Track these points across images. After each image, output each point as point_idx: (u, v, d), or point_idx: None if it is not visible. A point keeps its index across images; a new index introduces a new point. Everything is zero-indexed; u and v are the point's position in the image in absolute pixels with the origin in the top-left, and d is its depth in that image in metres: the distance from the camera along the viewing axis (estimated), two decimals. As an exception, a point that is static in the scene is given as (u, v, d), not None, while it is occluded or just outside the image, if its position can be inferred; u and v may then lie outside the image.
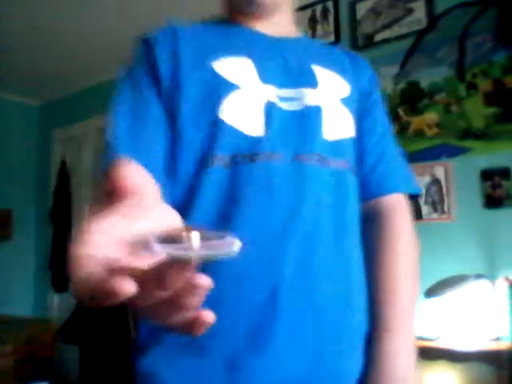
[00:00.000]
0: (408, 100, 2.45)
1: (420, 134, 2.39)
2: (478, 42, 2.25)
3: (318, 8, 2.85)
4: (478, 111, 2.23)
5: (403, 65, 2.47)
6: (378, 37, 2.60)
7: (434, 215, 2.32)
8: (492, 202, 2.17)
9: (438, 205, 2.31)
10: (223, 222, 0.63)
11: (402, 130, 2.45)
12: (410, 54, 2.45)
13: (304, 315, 0.64)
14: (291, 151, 0.68)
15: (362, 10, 2.68)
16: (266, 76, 0.71)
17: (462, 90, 2.29)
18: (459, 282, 2.00)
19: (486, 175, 2.18)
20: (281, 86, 0.71)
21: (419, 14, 2.46)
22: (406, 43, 2.47)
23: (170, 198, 0.63)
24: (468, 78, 2.27)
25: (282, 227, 0.64)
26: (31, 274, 4.40)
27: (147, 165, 0.51)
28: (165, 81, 0.70)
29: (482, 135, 2.21)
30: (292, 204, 0.65)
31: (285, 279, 0.63)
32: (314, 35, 2.85)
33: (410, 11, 2.50)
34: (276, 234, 0.64)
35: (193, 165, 0.67)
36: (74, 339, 3.21)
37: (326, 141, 0.71)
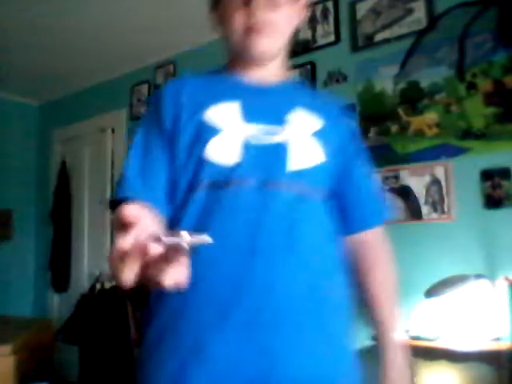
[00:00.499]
0: (408, 100, 2.45)
1: (420, 133, 2.39)
2: (477, 41, 2.25)
3: (318, 8, 2.85)
4: (478, 111, 2.23)
5: (403, 65, 2.47)
6: (378, 37, 2.60)
7: (434, 215, 2.32)
8: (492, 202, 2.17)
9: (437, 205, 2.31)
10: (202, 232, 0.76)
11: (401, 130, 2.45)
12: (409, 53, 2.45)
13: (259, 315, 0.78)
14: (259, 178, 0.84)
15: (362, 9, 2.68)
16: (248, 116, 0.88)
17: (461, 90, 2.29)
18: (459, 281, 2.00)
19: (486, 175, 2.18)
20: (259, 123, 0.88)
21: (419, 13, 2.47)
22: (406, 43, 2.47)
23: (169, 215, 0.85)
24: (468, 77, 2.27)
25: (245, 238, 0.81)
26: (31, 274, 4.41)
27: (151, 199, 0.77)
28: (168, 126, 0.90)
29: (482, 135, 2.21)
30: (254, 221, 0.82)
31: (243, 283, 0.79)
32: (314, 35, 2.85)
33: (409, 11, 2.50)
34: (240, 243, 0.81)
35: (184, 191, 0.86)
36: (73, 339, 3.21)
37: (291, 170, 0.86)
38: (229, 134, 0.86)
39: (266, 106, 0.91)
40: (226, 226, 0.82)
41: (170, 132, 0.89)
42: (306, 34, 2.88)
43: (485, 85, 2.22)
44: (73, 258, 4.11)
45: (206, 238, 0.51)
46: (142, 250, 0.49)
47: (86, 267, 4.00)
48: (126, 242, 0.49)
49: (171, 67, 3.60)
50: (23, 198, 4.42)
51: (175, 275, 0.50)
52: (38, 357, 3.27)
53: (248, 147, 0.86)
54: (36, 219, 4.49)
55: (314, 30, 2.86)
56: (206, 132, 0.87)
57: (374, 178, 1.04)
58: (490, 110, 2.20)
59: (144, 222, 0.52)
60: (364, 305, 0.98)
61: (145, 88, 3.74)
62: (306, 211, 0.86)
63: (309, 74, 2.84)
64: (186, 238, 0.50)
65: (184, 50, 3.52)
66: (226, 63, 1.01)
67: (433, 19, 2.41)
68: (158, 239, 0.49)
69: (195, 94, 0.92)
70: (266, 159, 0.86)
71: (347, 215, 0.96)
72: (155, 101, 0.94)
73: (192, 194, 0.85)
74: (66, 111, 4.39)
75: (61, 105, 4.47)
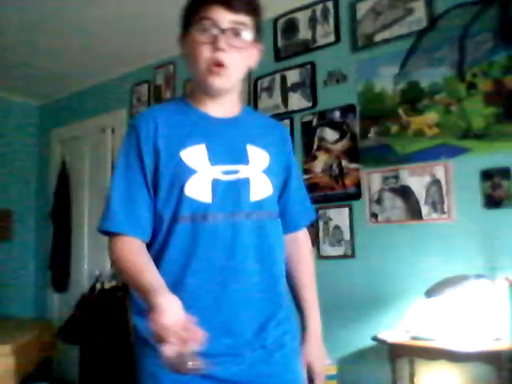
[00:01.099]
0: (408, 100, 2.45)
1: (420, 133, 2.39)
2: (478, 42, 2.25)
3: (318, 8, 2.85)
4: (478, 111, 2.23)
5: (403, 65, 2.47)
6: (378, 37, 2.60)
7: (434, 215, 2.32)
8: (492, 202, 2.17)
9: (438, 205, 2.31)
10: (185, 258, 1.05)
11: (401, 130, 2.45)
12: (409, 53, 2.45)
13: (235, 311, 1.06)
14: (228, 211, 1.07)
15: (362, 9, 2.68)
16: (213, 159, 1.07)
17: (462, 90, 2.29)
18: (459, 281, 2.00)
19: (486, 175, 2.18)
20: (223, 164, 1.08)
21: (419, 14, 2.47)
22: (406, 43, 2.47)
23: (154, 243, 1.08)
24: (468, 77, 2.27)
25: (221, 263, 1.06)
26: (31, 274, 4.40)
27: (135, 230, 1.05)
28: (148, 164, 1.07)
29: (482, 135, 2.21)
30: (229, 248, 1.06)
31: (221, 298, 1.05)
32: (314, 35, 2.85)
33: (409, 11, 2.50)
34: (218, 267, 1.06)
35: (169, 221, 1.06)
36: (74, 339, 3.21)
37: (253, 201, 1.09)
38: (201, 174, 1.06)
39: (226, 147, 1.10)
40: (208, 252, 1.05)
41: (150, 169, 1.07)
42: (306, 34, 2.89)
43: (485, 85, 2.22)
44: (73, 258, 4.11)
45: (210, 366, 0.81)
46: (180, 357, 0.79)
47: (86, 267, 4.00)
48: (171, 351, 0.79)
49: (171, 67, 3.60)
50: (23, 198, 4.42)
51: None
52: (38, 357, 3.26)
53: (217, 185, 1.06)
54: (36, 219, 4.49)
55: (314, 29, 2.86)
56: (183, 173, 1.05)
57: (302, 187, 1.28)
58: (490, 110, 2.20)
59: (183, 336, 0.80)
60: (292, 288, 1.23)
61: (145, 88, 3.74)
62: (267, 233, 1.12)
63: (309, 74, 2.84)
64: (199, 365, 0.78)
65: (184, 50, 3.52)
66: (189, 91, 1.19)
67: (433, 19, 2.41)
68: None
69: (169, 136, 1.08)
70: (233, 194, 1.07)
71: (284, 219, 1.21)
72: (132, 137, 1.09)
73: (177, 224, 1.05)
74: (66, 111, 4.39)
75: (61, 105, 4.47)
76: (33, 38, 3.32)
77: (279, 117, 2.92)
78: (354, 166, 2.61)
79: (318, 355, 1.21)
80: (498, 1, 2.21)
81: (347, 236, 2.60)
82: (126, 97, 3.85)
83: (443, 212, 2.29)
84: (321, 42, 2.83)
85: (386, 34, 2.57)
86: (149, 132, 1.08)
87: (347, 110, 2.66)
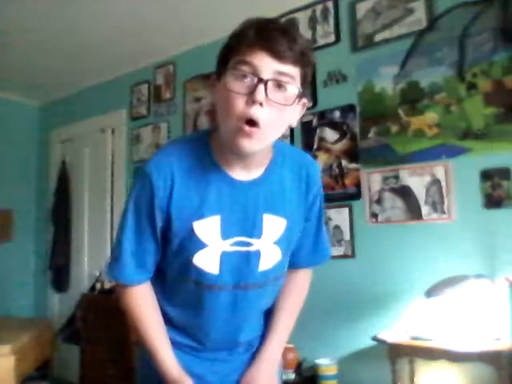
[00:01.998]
0: (408, 100, 2.45)
1: (420, 133, 2.39)
2: (477, 42, 2.25)
3: (318, 8, 2.85)
4: (478, 111, 2.23)
5: (403, 65, 2.47)
6: (378, 37, 2.60)
7: (434, 215, 2.32)
8: (492, 202, 2.17)
9: (438, 205, 2.31)
10: (190, 311, 1.10)
11: (401, 130, 2.45)
12: (409, 53, 2.45)
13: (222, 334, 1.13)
14: (233, 283, 1.06)
15: (362, 10, 2.68)
16: (226, 232, 1.02)
17: (462, 90, 2.29)
18: (459, 281, 2.00)
19: (486, 175, 2.18)
20: (236, 236, 1.03)
21: (419, 14, 2.46)
22: (406, 43, 2.47)
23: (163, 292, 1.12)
24: (468, 77, 2.27)
25: (220, 325, 1.11)
26: (31, 274, 4.40)
27: (143, 278, 1.08)
28: (159, 223, 1.02)
29: (482, 135, 2.21)
30: (229, 315, 1.09)
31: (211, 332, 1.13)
32: (314, 35, 2.85)
33: (410, 11, 2.50)
34: (218, 328, 1.12)
35: (175, 278, 1.09)
36: (74, 339, 3.21)
37: (260, 271, 1.07)
38: (211, 248, 1.02)
39: (241, 219, 1.03)
40: (210, 318, 1.10)
41: (160, 227, 1.03)
42: (306, 34, 2.88)
43: (485, 85, 2.22)
44: (73, 258, 4.11)
45: None
46: None
47: (85, 267, 4.00)
48: None
49: (171, 67, 3.60)
50: (23, 198, 4.42)
51: None
52: (38, 357, 3.26)
53: (226, 258, 1.03)
54: (36, 219, 4.49)
55: (314, 30, 2.86)
56: (194, 246, 1.02)
57: (320, 230, 1.21)
58: (490, 110, 2.20)
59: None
60: (270, 315, 1.20)
61: (145, 88, 3.74)
62: (263, 297, 1.13)
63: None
64: None
65: (184, 50, 3.52)
66: (215, 138, 1.03)
67: (433, 19, 2.41)
68: None
69: (183, 201, 1.00)
70: (242, 266, 1.05)
71: (290, 258, 1.16)
72: (146, 189, 1.01)
73: (182, 283, 1.07)
74: (65, 111, 4.39)
75: (61, 105, 4.47)
76: (33, 37, 3.32)
77: (279, 117, 2.92)
78: (353, 165, 2.61)
79: (262, 382, 1.15)
80: (498, 1, 2.21)
81: (347, 236, 2.60)
82: (126, 97, 3.85)
83: (443, 212, 2.29)
84: (321, 42, 2.83)
85: (385, 34, 2.57)
86: (164, 191, 0.99)
87: (347, 110, 2.66)
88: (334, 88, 2.74)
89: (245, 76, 0.88)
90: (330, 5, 2.81)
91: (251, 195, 1.03)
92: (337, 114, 2.70)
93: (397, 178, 2.44)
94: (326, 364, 2.41)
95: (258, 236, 1.04)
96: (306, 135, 2.82)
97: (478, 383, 2.09)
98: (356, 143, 2.61)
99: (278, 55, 0.88)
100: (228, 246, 1.03)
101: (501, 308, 2.01)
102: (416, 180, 2.38)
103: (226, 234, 1.02)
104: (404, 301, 2.32)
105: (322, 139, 2.76)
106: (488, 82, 2.21)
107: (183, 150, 1.02)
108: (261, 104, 0.87)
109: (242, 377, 1.15)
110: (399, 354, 2.09)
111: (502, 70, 2.19)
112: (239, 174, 1.02)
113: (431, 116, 2.37)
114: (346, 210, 2.61)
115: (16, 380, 2.77)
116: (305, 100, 0.98)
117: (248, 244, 1.04)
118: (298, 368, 2.47)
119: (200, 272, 1.03)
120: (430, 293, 2.06)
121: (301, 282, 1.23)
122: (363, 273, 2.51)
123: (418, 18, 2.46)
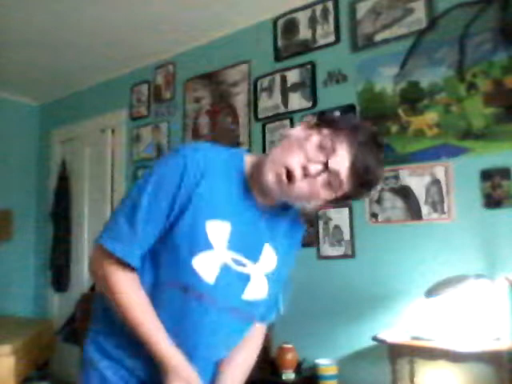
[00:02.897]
0: (408, 100, 2.45)
1: (420, 133, 2.39)
2: (477, 42, 2.25)
3: (318, 8, 2.85)
4: (478, 111, 2.23)
5: (403, 65, 2.47)
6: (378, 37, 2.60)
7: (434, 215, 2.32)
8: (492, 202, 2.17)
9: (437, 205, 2.31)
10: (175, 321, 1.03)
11: (402, 130, 2.45)
12: (409, 53, 2.45)
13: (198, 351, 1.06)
14: (221, 300, 1.03)
15: (362, 10, 2.68)
16: (232, 244, 1.02)
17: (462, 90, 2.29)
18: (459, 281, 2.00)
19: (486, 175, 2.18)
20: (237, 252, 1.03)
21: (419, 14, 2.47)
22: (406, 43, 2.47)
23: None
24: (468, 77, 2.27)
25: (204, 341, 1.06)
26: (31, 274, 4.41)
27: (136, 266, 1.01)
28: (174, 215, 0.99)
29: (482, 135, 2.21)
30: (211, 330, 1.04)
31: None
32: (314, 35, 2.85)
33: (410, 11, 2.50)
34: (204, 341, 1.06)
35: (159, 287, 1.04)
36: (74, 339, 3.21)
37: (243, 299, 1.06)
38: (215, 254, 1.01)
39: (247, 237, 1.05)
40: (193, 334, 1.04)
41: (173, 215, 0.99)
42: (306, 34, 2.89)
43: (485, 85, 2.22)
44: (73, 258, 4.11)
45: None
46: None
47: (85, 267, 4.00)
48: None
49: (171, 67, 3.60)
50: (23, 198, 4.42)
51: None
52: (37, 357, 3.27)
53: (224, 271, 1.02)
54: (36, 219, 4.49)
55: (314, 30, 2.86)
56: (200, 242, 1.00)
57: (279, 288, 1.18)
58: (490, 110, 2.20)
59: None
60: (218, 367, 1.14)
61: (145, 88, 3.74)
62: (239, 330, 1.11)
63: (309, 74, 2.84)
64: None
65: (184, 50, 3.52)
66: (254, 161, 1.07)
67: (433, 19, 2.41)
68: None
69: (204, 196, 0.99)
70: (232, 285, 1.04)
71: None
72: (178, 168, 0.99)
73: (166, 292, 1.02)
74: (66, 111, 4.39)
75: (61, 105, 4.47)
76: (33, 37, 3.32)
77: (279, 117, 2.93)
78: (353, 166, 2.61)
79: None
80: (498, 1, 2.21)
81: (347, 236, 2.60)
82: (126, 97, 3.85)
83: (443, 212, 2.29)
84: (321, 42, 2.83)
85: (385, 34, 2.57)
86: (194, 178, 0.98)
87: (347, 110, 2.66)
88: (334, 88, 2.74)
89: (321, 149, 0.96)
90: (330, 5, 2.81)
91: (263, 220, 1.07)
92: (337, 113, 2.70)
93: (397, 177, 2.44)
94: (326, 364, 2.41)
95: (255, 261, 1.06)
96: (305, 135, 2.82)
97: (478, 383, 2.09)
98: (356, 143, 2.61)
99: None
100: (230, 258, 1.02)
101: (501, 308, 2.01)
102: (416, 180, 2.38)
103: (231, 245, 1.02)
104: (404, 301, 2.32)
105: (321, 139, 2.75)
106: (488, 82, 2.22)
107: (221, 152, 1.07)
108: (306, 175, 0.95)
109: None
110: (399, 354, 2.09)
111: (501, 70, 2.19)
112: (258, 196, 1.05)
113: (431, 116, 2.37)
114: (346, 209, 2.61)
115: (16, 380, 2.77)
116: (347, 202, 1.05)
117: (243, 264, 1.05)
118: (298, 368, 2.47)
119: (195, 277, 1.00)
120: (430, 293, 2.06)
121: (256, 337, 1.20)
122: (363, 273, 2.51)
123: (418, 17, 2.46)
